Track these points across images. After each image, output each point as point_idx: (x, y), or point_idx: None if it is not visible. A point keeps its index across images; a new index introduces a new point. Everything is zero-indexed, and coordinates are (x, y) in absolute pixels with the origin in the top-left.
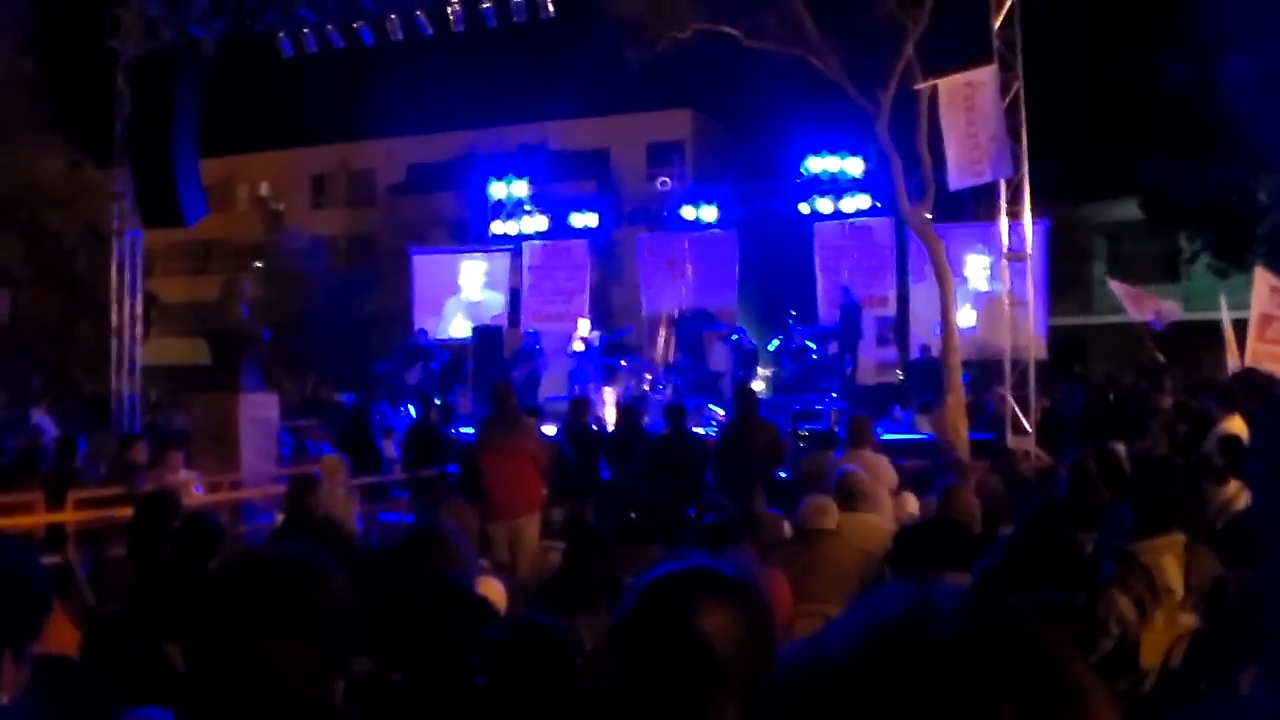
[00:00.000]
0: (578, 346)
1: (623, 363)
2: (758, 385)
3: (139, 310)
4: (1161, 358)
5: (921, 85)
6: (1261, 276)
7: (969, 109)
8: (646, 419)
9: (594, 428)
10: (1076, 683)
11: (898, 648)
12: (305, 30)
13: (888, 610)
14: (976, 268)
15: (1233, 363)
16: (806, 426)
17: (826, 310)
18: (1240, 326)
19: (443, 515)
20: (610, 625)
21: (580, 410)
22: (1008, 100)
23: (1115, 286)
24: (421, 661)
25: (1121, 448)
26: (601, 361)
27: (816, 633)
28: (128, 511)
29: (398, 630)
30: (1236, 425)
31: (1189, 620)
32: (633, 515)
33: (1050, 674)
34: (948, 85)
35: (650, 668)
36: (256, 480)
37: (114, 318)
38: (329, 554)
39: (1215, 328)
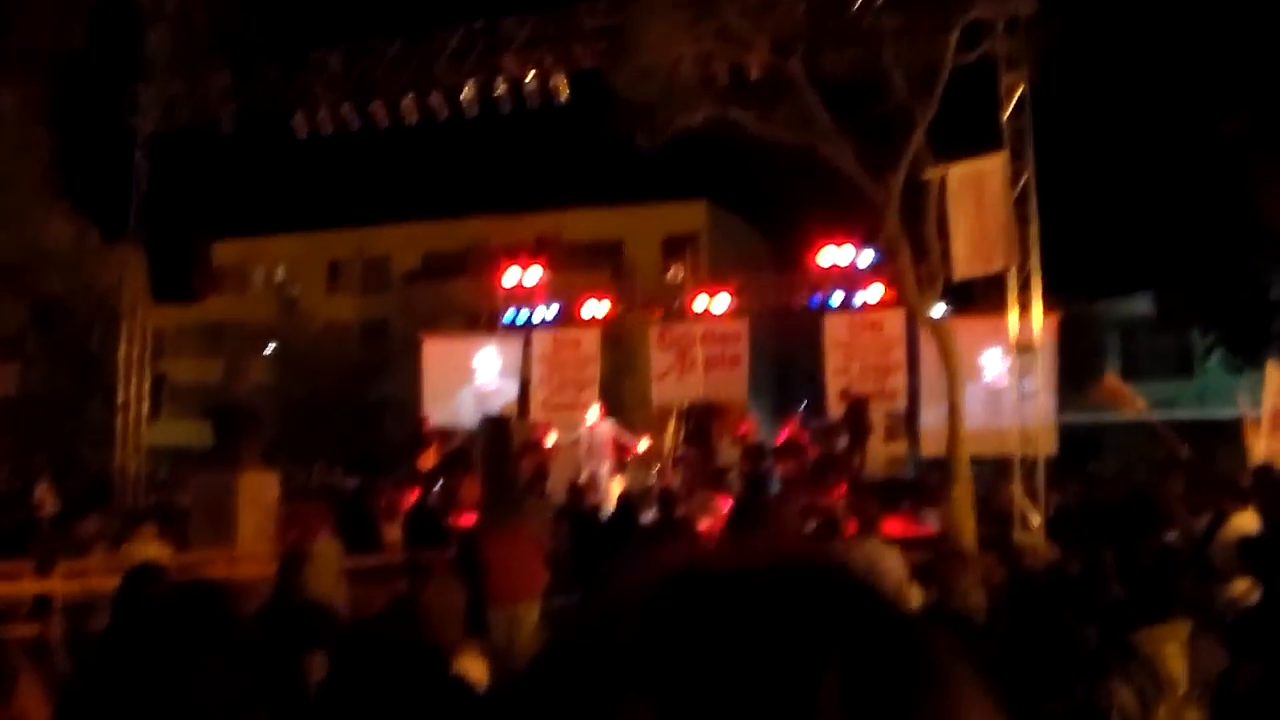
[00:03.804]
0: (585, 437)
1: (630, 454)
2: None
3: (146, 387)
4: (1186, 453)
5: (931, 173)
6: (1274, 371)
7: (979, 197)
8: (654, 510)
9: (592, 516)
10: (930, 656)
11: (679, 584)
12: (321, 111)
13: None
14: (987, 360)
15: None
16: (814, 519)
17: (835, 403)
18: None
19: (429, 592)
20: None
21: (579, 498)
22: (1018, 189)
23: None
24: None
25: (1136, 542)
26: (610, 453)
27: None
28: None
29: (370, 706)
30: (1249, 520)
31: (1194, 716)
32: None
33: (896, 635)
34: (957, 173)
35: None
36: (253, 559)
37: (121, 394)
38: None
39: (1228, 425)
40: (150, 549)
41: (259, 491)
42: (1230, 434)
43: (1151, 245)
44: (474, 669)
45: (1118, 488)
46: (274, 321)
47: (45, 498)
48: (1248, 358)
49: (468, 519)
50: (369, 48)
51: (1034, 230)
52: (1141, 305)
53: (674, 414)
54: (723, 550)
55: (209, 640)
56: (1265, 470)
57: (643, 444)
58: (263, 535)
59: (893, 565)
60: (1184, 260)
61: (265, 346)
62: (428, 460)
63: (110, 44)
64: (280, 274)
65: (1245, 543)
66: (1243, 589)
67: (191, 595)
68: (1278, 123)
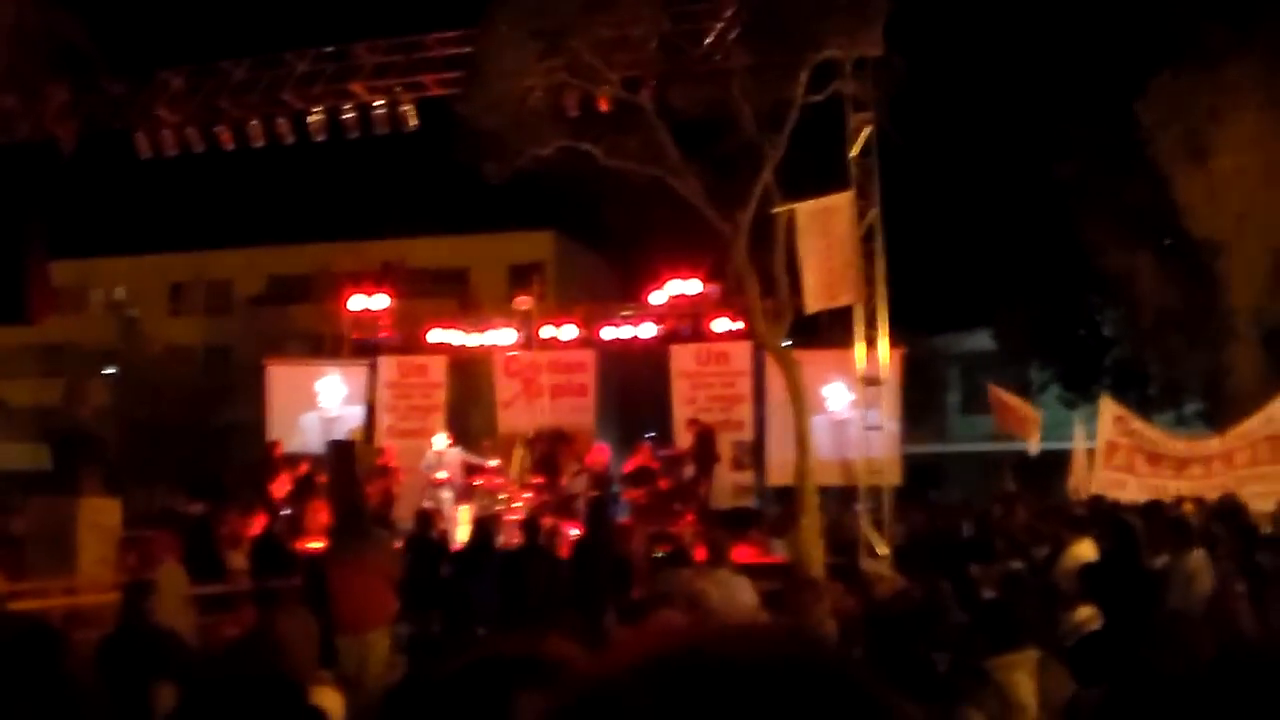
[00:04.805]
0: (432, 463)
1: (478, 481)
2: (614, 507)
3: None
4: (1014, 486)
5: (780, 209)
6: (1106, 406)
7: (826, 234)
8: (501, 538)
9: (440, 543)
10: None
11: (686, 674)
12: (165, 132)
13: None
14: (833, 393)
15: (1074, 487)
16: (662, 548)
17: (683, 433)
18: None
19: (279, 621)
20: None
21: (425, 524)
22: (864, 227)
23: (995, 393)
24: None
25: (976, 570)
26: (457, 479)
27: None
28: None
29: None
30: (1086, 549)
31: None
32: (480, 630)
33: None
34: (805, 210)
35: None
36: (94, 588)
37: None
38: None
39: (1064, 457)
40: None
41: (100, 517)
42: (1065, 466)
43: (991, 283)
44: (329, 700)
45: (960, 516)
46: (114, 343)
47: None
48: (1081, 391)
49: (315, 545)
50: (216, 69)
51: (880, 267)
52: (982, 340)
53: (519, 441)
54: (713, 635)
55: (40, 684)
56: (1098, 500)
57: (492, 464)
58: (104, 563)
59: (745, 593)
60: (1022, 297)
61: (105, 368)
62: (281, 487)
63: None
64: (120, 295)
65: (1087, 570)
66: (1086, 615)
67: (22, 635)
68: (1110, 166)
